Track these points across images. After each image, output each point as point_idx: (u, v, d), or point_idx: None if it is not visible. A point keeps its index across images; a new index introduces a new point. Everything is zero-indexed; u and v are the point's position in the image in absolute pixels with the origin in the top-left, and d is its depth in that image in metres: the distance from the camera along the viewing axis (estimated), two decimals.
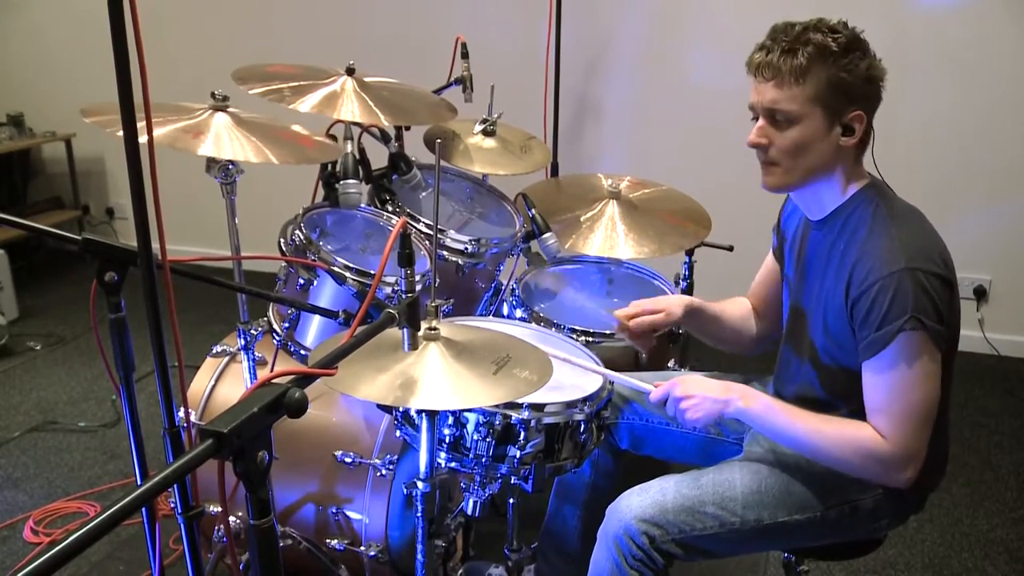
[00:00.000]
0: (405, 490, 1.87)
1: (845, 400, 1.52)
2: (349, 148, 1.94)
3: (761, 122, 1.45)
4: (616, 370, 1.72)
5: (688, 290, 2.38)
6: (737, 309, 1.85)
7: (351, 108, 1.95)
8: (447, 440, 1.57)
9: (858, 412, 1.45)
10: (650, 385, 1.57)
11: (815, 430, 1.43)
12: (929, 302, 1.34)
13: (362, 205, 2.03)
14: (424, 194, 2.19)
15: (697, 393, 1.49)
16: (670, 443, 1.79)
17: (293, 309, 1.88)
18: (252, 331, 1.85)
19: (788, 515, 1.50)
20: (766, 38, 1.42)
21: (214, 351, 2.14)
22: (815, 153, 1.42)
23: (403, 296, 1.27)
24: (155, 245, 1.18)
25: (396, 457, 1.86)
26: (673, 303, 1.75)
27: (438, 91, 2.43)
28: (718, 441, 1.77)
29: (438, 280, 1.81)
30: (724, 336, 1.83)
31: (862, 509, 1.52)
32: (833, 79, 1.37)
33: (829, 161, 1.44)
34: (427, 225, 2.03)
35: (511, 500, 1.79)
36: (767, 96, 1.41)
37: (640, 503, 1.49)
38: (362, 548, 1.89)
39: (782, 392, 1.68)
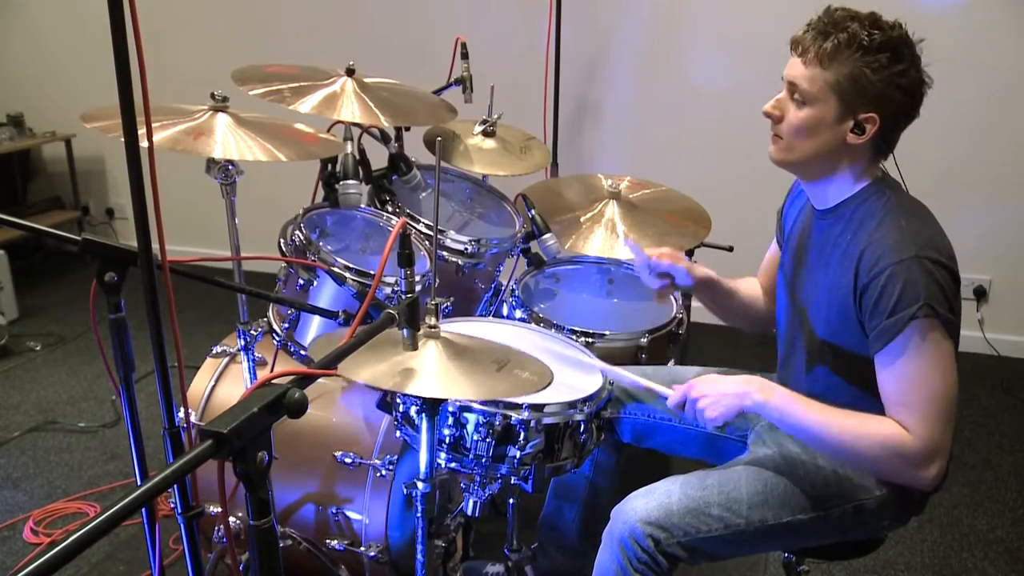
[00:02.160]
0: (405, 490, 1.87)
1: (848, 389, 1.52)
2: (349, 148, 1.94)
3: (782, 94, 1.46)
4: (616, 366, 1.72)
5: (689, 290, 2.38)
6: (748, 288, 1.86)
7: (351, 109, 1.95)
8: (447, 440, 1.57)
9: (863, 399, 1.45)
10: (669, 390, 1.55)
11: (836, 425, 1.40)
12: (940, 291, 1.33)
13: (362, 205, 2.03)
14: (424, 194, 2.19)
15: (714, 391, 1.48)
16: (673, 437, 1.79)
17: (293, 309, 1.88)
18: (252, 331, 1.85)
19: (792, 515, 1.50)
20: (817, 16, 1.42)
21: (214, 351, 2.14)
22: (819, 140, 1.42)
23: (403, 296, 1.27)
24: (155, 245, 1.18)
25: (396, 457, 1.86)
26: (695, 266, 1.76)
27: (438, 91, 2.44)
28: (721, 437, 1.77)
29: (438, 280, 1.81)
30: (736, 310, 1.84)
31: (866, 509, 1.52)
32: (855, 73, 1.36)
33: (833, 152, 1.44)
34: (427, 225, 2.03)
35: (511, 500, 1.79)
36: (793, 70, 1.42)
37: (645, 506, 1.49)
38: (362, 548, 1.89)
39: (787, 382, 1.67)
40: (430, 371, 1.27)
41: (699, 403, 1.48)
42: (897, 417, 1.37)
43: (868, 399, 1.44)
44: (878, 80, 1.36)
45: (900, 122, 1.43)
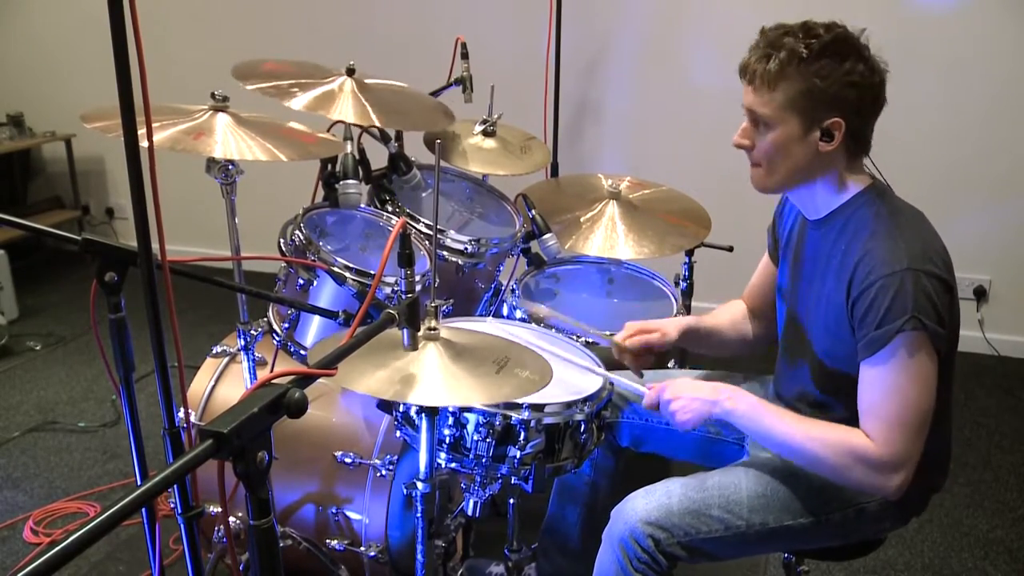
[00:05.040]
0: (405, 490, 1.87)
1: (844, 402, 1.52)
2: (349, 148, 1.94)
3: (745, 124, 1.46)
4: (617, 369, 1.72)
5: (688, 291, 2.38)
6: (731, 316, 1.85)
7: (346, 107, 1.95)
8: (447, 440, 1.57)
9: (850, 420, 1.44)
10: (645, 388, 1.57)
11: (800, 431, 1.42)
12: (929, 303, 1.33)
13: (362, 205, 2.03)
14: (424, 194, 2.19)
15: (685, 395, 1.50)
16: (670, 442, 1.79)
17: (293, 309, 1.88)
18: (252, 331, 1.85)
19: (793, 519, 1.50)
20: (755, 40, 1.43)
21: (214, 351, 2.14)
22: (793, 157, 1.43)
23: (403, 296, 1.27)
24: (155, 245, 1.18)
25: (396, 457, 1.86)
26: (668, 325, 1.75)
27: (438, 91, 2.44)
28: (718, 440, 1.77)
29: (438, 280, 1.81)
30: (720, 347, 1.84)
31: (867, 512, 1.52)
32: (805, 86, 1.36)
33: (811, 165, 1.44)
34: (427, 225, 2.03)
35: (511, 500, 1.79)
36: (747, 99, 1.43)
37: (645, 506, 1.49)
38: (362, 548, 1.89)
39: (781, 393, 1.68)
40: (431, 377, 1.28)
41: (671, 405, 1.51)
42: (866, 426, 1.38)
43: (854, 421, 1.43)
44: (829, 86, 1.36)
45: (866, 117, 1.42)
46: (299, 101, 1.92)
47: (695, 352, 1.88)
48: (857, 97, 1.37)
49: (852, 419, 1.44)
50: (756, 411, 1.46)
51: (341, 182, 1.92)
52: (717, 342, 1.82)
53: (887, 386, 1.36)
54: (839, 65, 1.35)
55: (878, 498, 1.51)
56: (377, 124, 2.01)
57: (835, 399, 1.54)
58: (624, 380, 1.64)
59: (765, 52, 1.38)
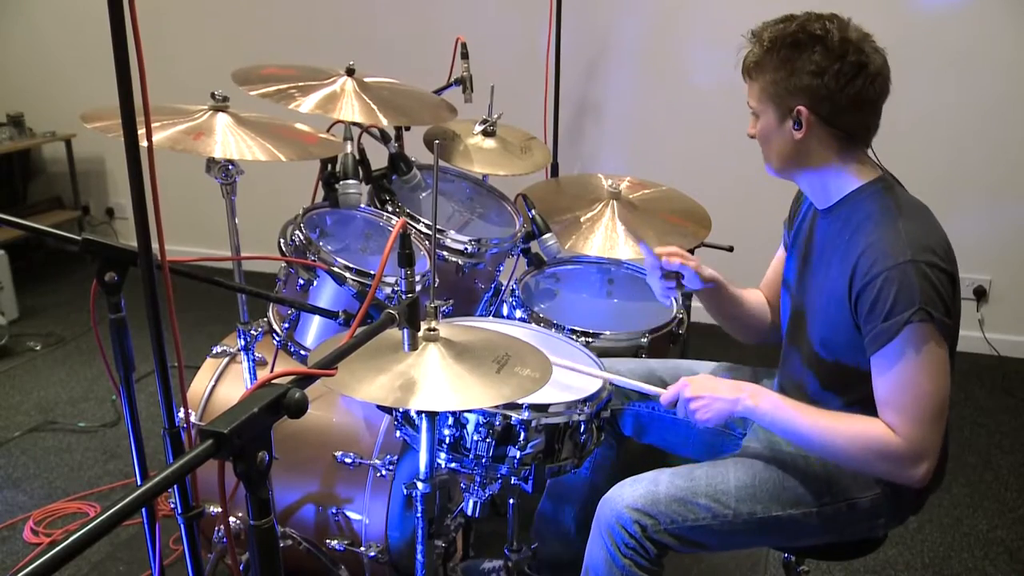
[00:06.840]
0: (405, 491, 1.87)
1: (841, 394, 1.52)
2: (349, 148, 1.94)
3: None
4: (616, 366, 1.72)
5: (688, 291, 2.38)
6: (754, 298, 1.85)
7: (351, 108, 1.95)
8: (447, 440, 1.57)
9: (852, 406, 1.45)
10: (660, 388, 1.57)
11: (825, 427, 1.42)
12: (936, 294, 1.34)
13: (362, 205, 2.03)
14: (424, 194, 2.19)
15: (707, 394, 1.49)
16: (674, 433, 1.79)
17: (293, 309, 1.88)
18: (252, 332, 1.85)
19: (782, 510, 1.51)
20: None
21: (214, 351, 2.14)
22: (775, 144, 1.48)
23: (403, 296, 1.27)
24: (155, 245, 1.18)
25: (396, 457, 1.86)
26: (704, 266, 1.73)
27: (438, 91, 2.44)
28: (723, 434, 1.77)
29: (438, 280, 1.81)
30: (741, 318, 1.81)
31: (860, 507, 1.52)
32: (772, 75, 1.42)
33: (794, 153, 1.46)
34: (427, 225, 2.03)
35: (511, 500, 1.79)
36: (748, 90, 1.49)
37: (632, 493, 1.51)
38: (362, 548, 1.89)
39: (783, 385, 1.68)
40: (432, 380, 1.27)
41: (691, 404, 1.50)
42: (886, 418, 1.38)
43: (855, 411, 1.44)
44: (788, 74, 1.41)
45: (839, 104, 1.40)
46: (305, 105, 1.92)
47: (713, 314, 1.83)
48: (817, 84, 1.39)
49: (847, 410, 1.44)
50: (778, 408, 1.46)
51: (341, 182, 1.92)
52: (734, 312, 1.80)
53: (901, 380, 1.36)
54: (795, 55, 1.40)
55: (871, 493, 1.52)
56: (384, 122, 2.01)
57: (831, 391, 1.54)
58: (637, 384, 1.63)
59: (751, 46, 1.45)
